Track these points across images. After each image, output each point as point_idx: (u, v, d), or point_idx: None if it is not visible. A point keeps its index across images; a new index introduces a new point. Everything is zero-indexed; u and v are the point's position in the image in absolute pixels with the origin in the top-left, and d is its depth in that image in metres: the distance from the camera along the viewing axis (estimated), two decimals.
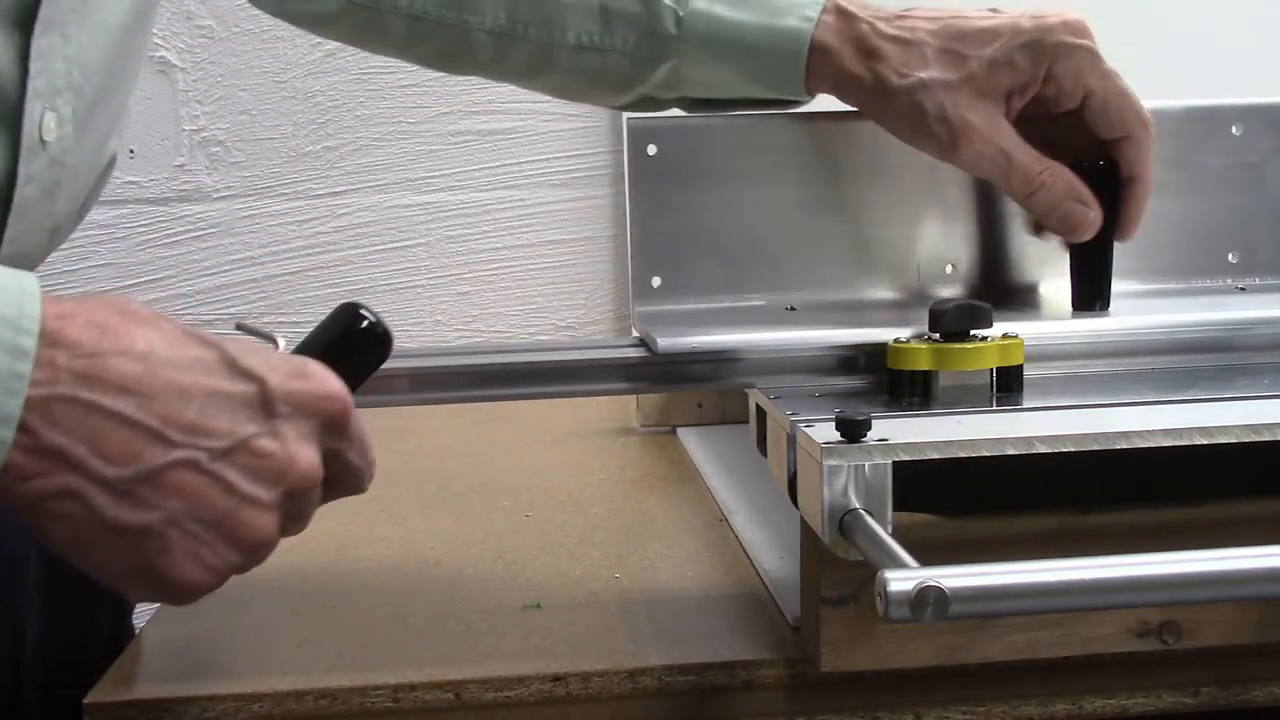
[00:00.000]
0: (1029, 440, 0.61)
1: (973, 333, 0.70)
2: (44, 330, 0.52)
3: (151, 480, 0.53)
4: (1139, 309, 0.81)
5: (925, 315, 0.71)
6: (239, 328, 0.67)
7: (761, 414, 0.72)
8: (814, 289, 0.83)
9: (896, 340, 0.70)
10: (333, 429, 0.58)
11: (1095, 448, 0.61)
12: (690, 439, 1.12)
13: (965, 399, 0.68)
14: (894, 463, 0.59)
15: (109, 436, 0.52)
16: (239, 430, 0.55)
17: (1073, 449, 0.61)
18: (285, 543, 0.88)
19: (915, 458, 0.60)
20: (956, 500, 0.63)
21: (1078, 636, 0.65)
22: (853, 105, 0.82)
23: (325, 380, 0.57)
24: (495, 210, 1.53)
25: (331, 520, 0.94)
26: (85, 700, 0.66)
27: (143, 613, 0.85)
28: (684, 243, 0.81)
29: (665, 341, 0.73)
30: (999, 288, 0.85)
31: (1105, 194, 0.79)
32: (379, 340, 0.63)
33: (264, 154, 1.53)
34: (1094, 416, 0.65)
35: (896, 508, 0.60)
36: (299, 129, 1.53)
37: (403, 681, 0.67)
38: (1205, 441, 0.61)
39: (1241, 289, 0.85)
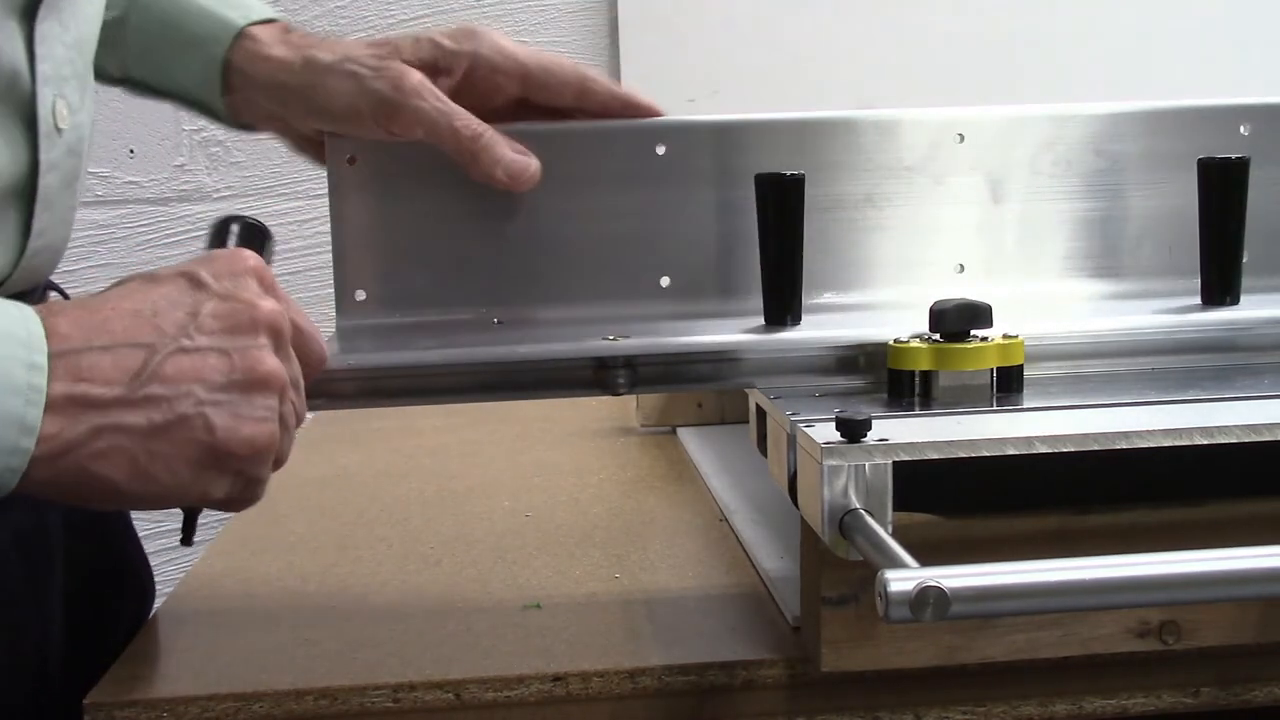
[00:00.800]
0: (1029, 440, 0.61)
1: (973, 333, 0.70)
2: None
3: (156, 378, 0.57)
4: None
5: (639, 330, 0.73)
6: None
7: (761, 414, 0.72)
8: (522, 303, 0.80)
9: (896, 340, 0.71)
10: (264, 284, 0.61)
11: (1095, 448, 0.61)
12: (690, 439, 1.12)
13: (965, 399, 0.68)
14: (894, 463, 0.59)
15: (96, 366, 0.56)
16: (195, 307, 0.59)
17: (1073, 449, 0.61)
18: (285, 543, 0.89)
19: (915, 458, 0.60)
20: (956, 500, 0.63)
21: (1078, 636, 0.65)
22: (276, 109, 0.81)
23: (234, 251, 0.62)
24: None
25: (331, 520, 0.95)
26: (85, 700, 0.66)
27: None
28: (389, 255, 0.80)
29: (337, 359, 0.72)
30: (723, 298, 0.82)
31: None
32: (257, 232, 0.69)
33: (264, 154, 1.53)
34: (1094, 416, 0.65)
35: (896, 508, 0.60)
36: None
37: (403, 681, 0.67)
38: (1205, 441, 0.61)
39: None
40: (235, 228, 0.69)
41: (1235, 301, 0.80)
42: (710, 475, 1.00)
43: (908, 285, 0.82)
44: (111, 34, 0.83)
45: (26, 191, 0.68)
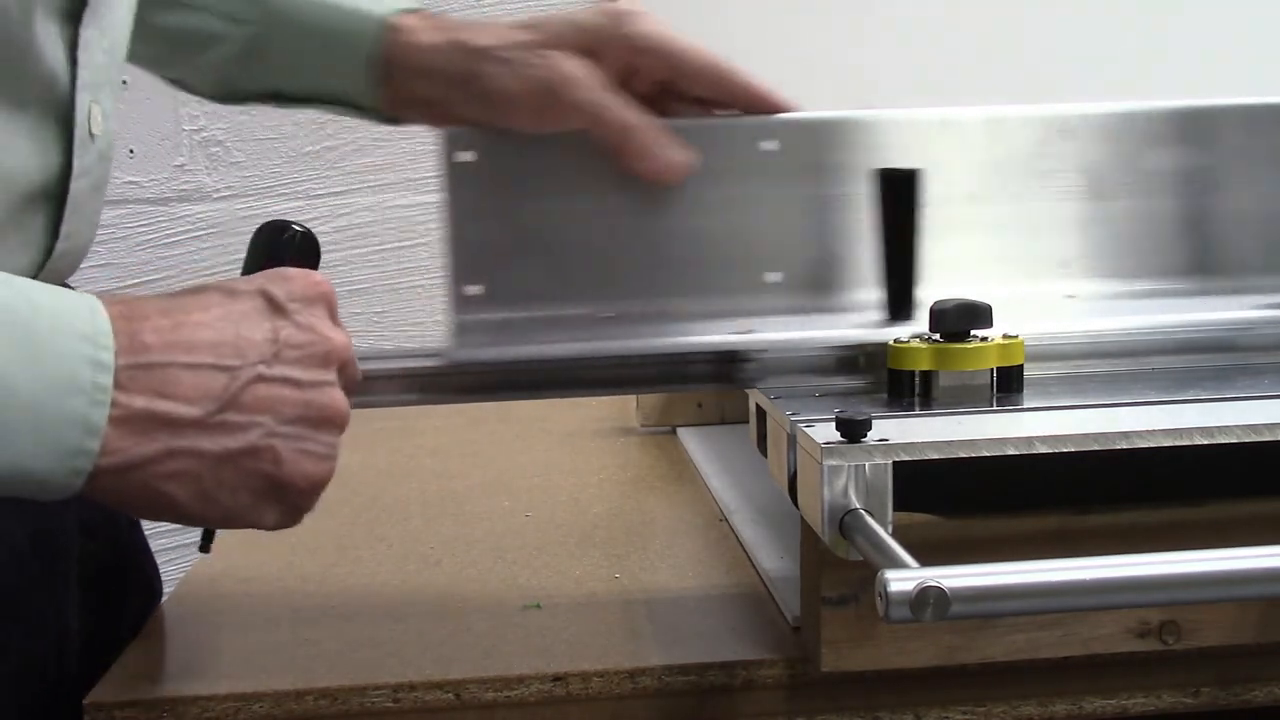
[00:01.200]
0: (1029, 440, 0.61)
1: (973, 333, 0.70)
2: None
3: (234, 404, 0.57)
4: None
5: (751, 325, 0.73)
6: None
7: (761, 414, 0.72)
8: (635, 298, 0.80)
9: (897, 340, 0.71)
10: (332, 311, 0.62)
11: (1095, 448, 0.61)
12: (690, 439, 1.12)
13: (965, 399, 0.68)
14: (894, 463, 0.59)
15: (178, 382, 0.56)
16: (272, 335, 0.59)
17: (1073, 449, 0.61)
18: (285, 543, 0.89)
19: (915, 458, 0.60)
20: (956, 500, 0.63)
21: (1078, 636, 0.65)
22: (437, 98, 0.80)
23: (306, 273, 0.62)
24: None
25: (331, 520, 0.95)
26: (85, 700, 0.66)
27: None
28: (502, 250, 0.79)
29: (453, 353, 0.74)
30: (832, 293, 0.82)
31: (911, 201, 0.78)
32: (310, 243, 0.69)
33: (264, 154, 1.53)
34: (1094, 416, 0.65)
35: (896, 508, 0.60)
36: (299, 129, 1.53)
37: (403, 681, 0.67)
38: (1205, 441, 0.61)
39: (1072, 296, 0.83)
40: (292, 238, 0.69)
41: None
42: (710, 475, 1.00)
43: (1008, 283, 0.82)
44: (251, 52, 0.83)
45: (57, 195, 0.68)
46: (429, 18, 0.82)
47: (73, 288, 0.81)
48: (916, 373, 0.69)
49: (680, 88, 0.80)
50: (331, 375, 0.60)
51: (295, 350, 0.59)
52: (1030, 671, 0.67)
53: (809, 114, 0.82)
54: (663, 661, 0.68)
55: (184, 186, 1.52)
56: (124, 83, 1.52)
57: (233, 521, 0.59)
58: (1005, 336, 0.70)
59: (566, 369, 0.75)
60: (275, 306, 0.60)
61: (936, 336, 0.70)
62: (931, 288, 0.78)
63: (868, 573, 0.53)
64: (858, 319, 0.78)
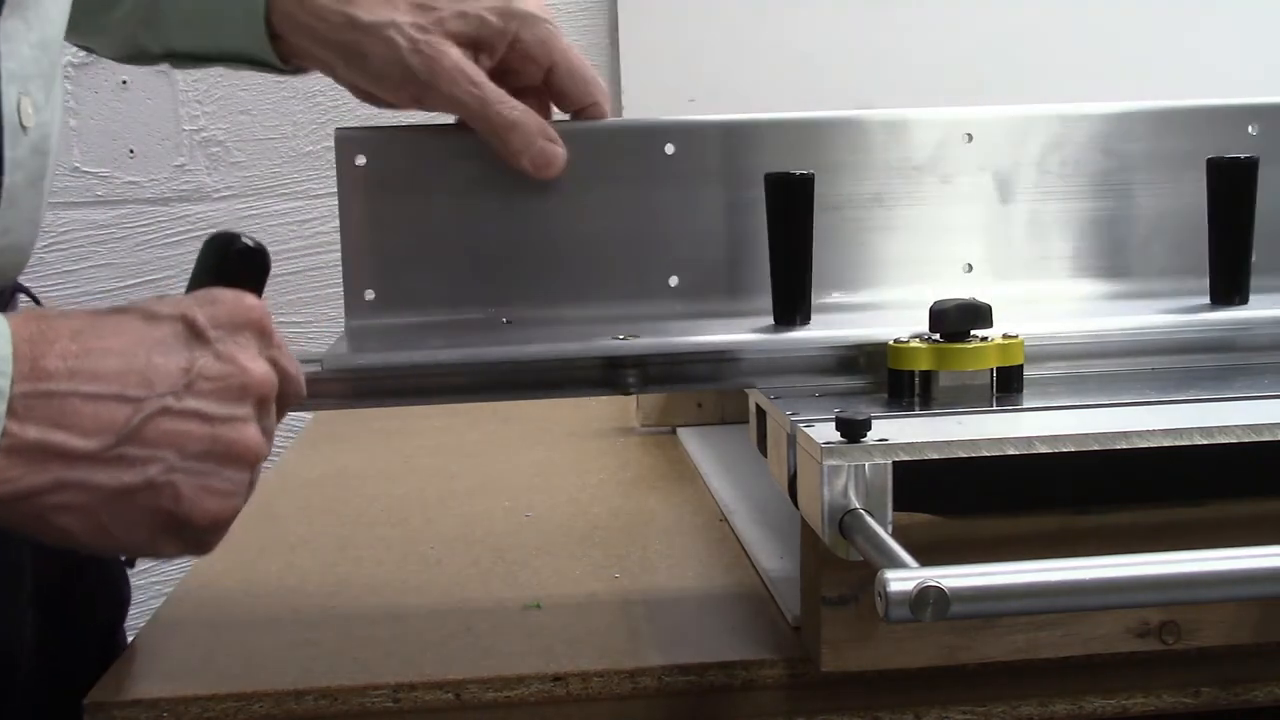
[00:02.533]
0: (1029, 440, 0.61)
1: (973, 333, 0.70)
2: None
3: (134, 438, 0.55)
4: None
5: (648, 330, 0.74)
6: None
7: (761, 414, 0.72)
8: (531, 303, 0.80)
9: (897, 340, 0.70)
10: (262, 337, 0.59)
11: (1095, 448, 0.61)
12: (690, 439, 1.12)
13: (965, 399, 0.68)
14: (894, 463, 0.59)
15: (77, 413, 0.54)
16: (187, 365, 0.56)
17: (1073, 449, 0.61)
18: (285, 542, 0.89)
19: (915, 458, 0.60)
20: (956, 500, 0.63)
21: (1078, 636, 0.65)
22: (323, 59, 0.80)
23: (238, 297, 0.59)
24: None
25: (331, 520, 0.95)
26: (85, 700, 0.66)
27: (136, 618, 0.85)
28: (397, 255, 0.79)
29: (334, 360, 0.72)
30: (732, 298, 0.82)
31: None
32: (259, 258, 0.65)
33: (264, 154, 1.53)
34: (1094, 416, 0.65)
35: (896, 508, 0.60)
36: (299, 129, 1.53)
37: (403, 681, 0.67)
38: (1205, 441, 0.61)
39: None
40: (235, 252, 0.65)
41: (1244, 301, 0.80)
42: (710, 475, 1.00)
43: (916, 284, 0.83)
44: (148, 13, 0.83)
45: None
46: None
47: (29, 290, 0.81)
48: (916, 373, 0.69)
49: (553, 99, 0.81)
50: (246, 410, 0.57)
51: (209, 382, 0.56)
52: (1030, 671, 0.67)
53: (709, 117, 0.83)
54: (663, 661, 0.68)
55: (184, 186, 1.52)
56: (124, 82, 1.53)
57: (130, 552, 0.58)
58: (1005, 336, 0.70)
59: (456, 374, 0.74)
60: (196, 333, 0.57)
61: (936, 336, 0.70)
62: (839, 292, 0.80)
63: (868, 573, 0.53)
64: (748, 324, 0.78)
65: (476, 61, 0.78)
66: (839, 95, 1.63)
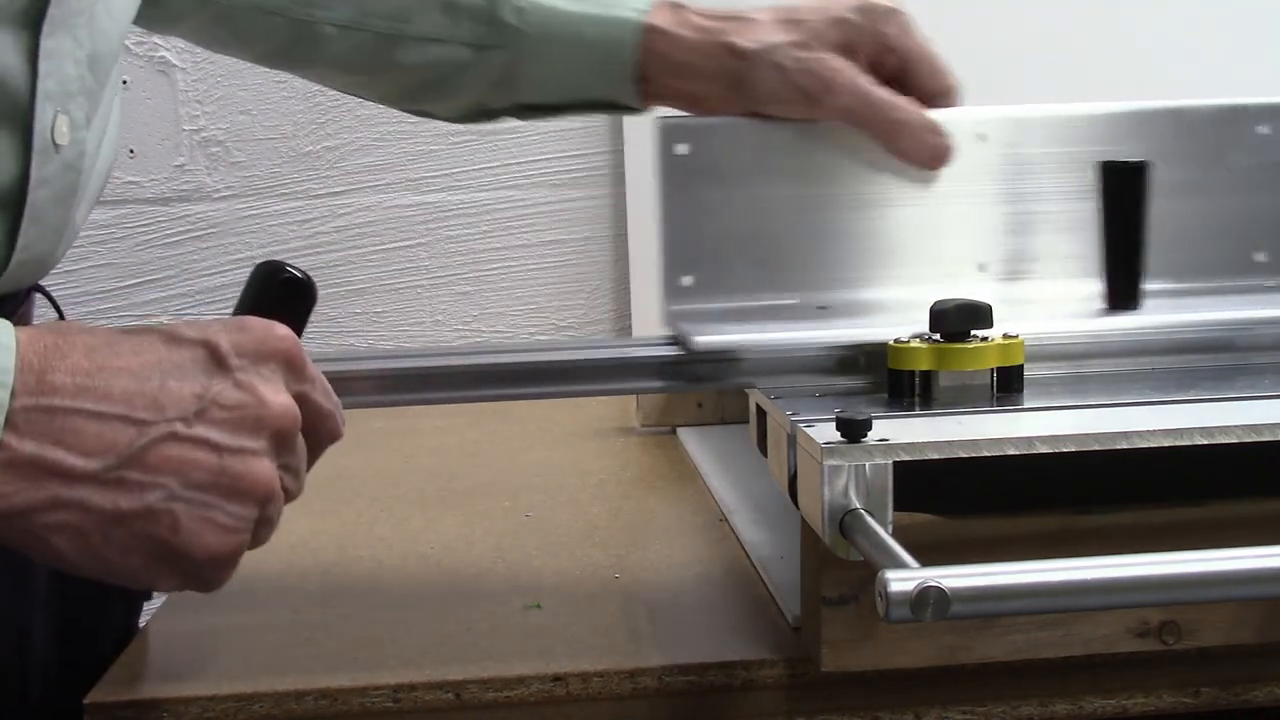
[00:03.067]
0: (1029, 440, 0.61)
1: (973, 333, 0.70)
2: None
3: (137, 462, 0.53)
4: (1140, 309, 0.81)
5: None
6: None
7: (761, 414, 0.72)
8: (846, 288, 0.83)
9: (896, 340, 0.70)
10: (291, 369, 0.58)
11: (1095, 448, 0.61)
12: (690, 439, 1.12)
13: (965, 399, 0.68)
14: (894, 463, 0.59)
15: (80, 431, 0.53)
16: (203, 390, 0.55)
17: (1073, 449, 0.61)
18: (285, 543, 0.89)
19: (915, 458, 0.60)
20: (956, 500, 0.63)
21: (1078, 636, 0.65)
22: (699, 93, 0.82)
23: (268, 326, 0.58)
24: (495, 210, 1.53)
25: (331, 520, 0.95)
26: (85, 700, 0.66)
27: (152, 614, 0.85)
28: (715, 242, 0.82)
29: (702, 339, 0.73)
30: (1036, 281, 0.85)
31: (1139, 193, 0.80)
32: (303, 289, 0.64)
33: (264, 154, 1.53)
34: (1094, 416, 0.65)
35: (896, 508, 0.60)
36: (299, 129, 1.53)
37: (403, 681, 0.67)
38: (1205, 441, 0.61)
39: (1273, 287, 0.85)
40: (279, 281, 0.63)
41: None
42: (710, 475, 1.00)
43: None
44: (502, 75, 0.84)
45: (14, 203, 0.66)
46: (680, 12, 0.82)
47: (45, 289, 0.81)
48: (916, 373, 0.69)
49: (906, 81, 0.82)
50: (259, 443, 0.56)
51: (224, 411, 0.55)
52: (1030, 671, 0.67)
53: (1016, 108, 0.86)
54: (663, 661, 0.68)
55: (184, 186, 1.52)
56: (124, 82, 1.52)
57: (123, 580, 0.56)
58: (1005, 336, 0.70)
59: (785, 357, 0.75)
60: (218, 360, 0.56)
61: (936, 336, 0.70)
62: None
63: (868, 573, 0.53)
64: (1073, 309, 0.81)
65: (853, 59, 0.80)
66: None
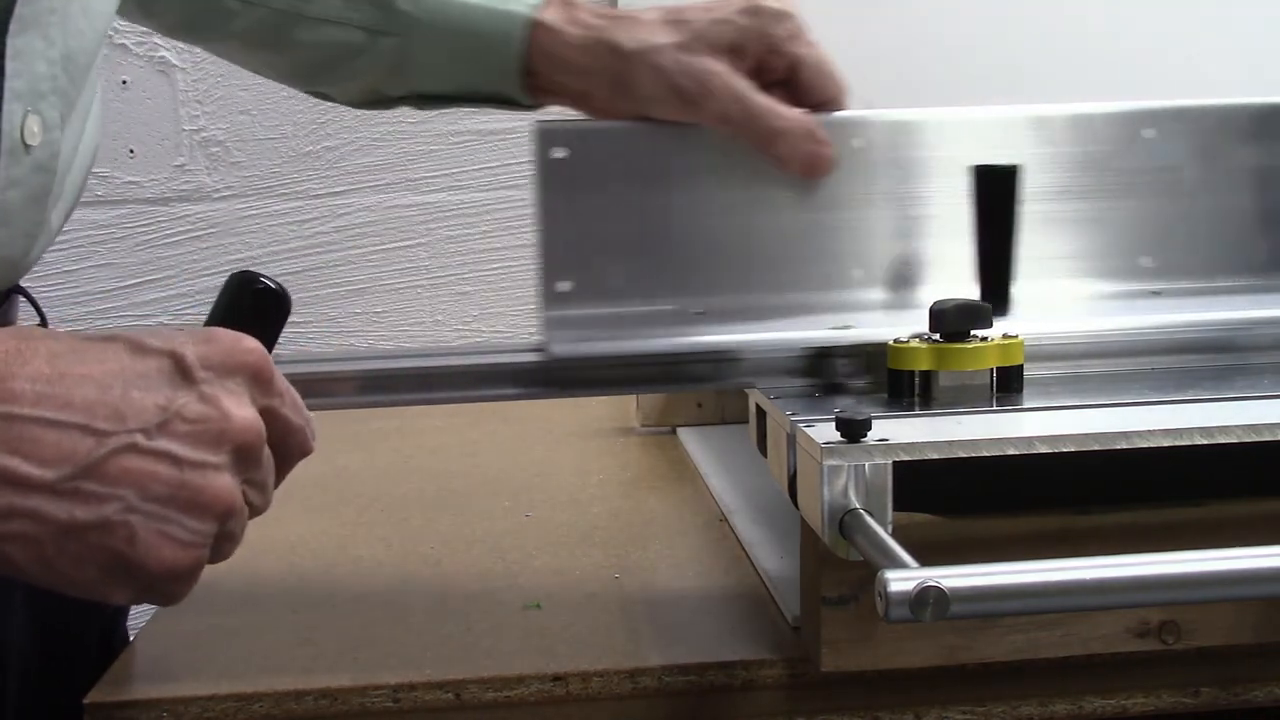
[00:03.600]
0: (1029, 440, 0.61)
1: (973, 333, 0.70)
2: None
3: (94, 473, 0.52)
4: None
5: (838, 321, 0.74)
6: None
7: (761, 414, 0.72)
8: (725, 293, 0.80)
9: (896, 340, 0.71)
10: (258, 383, 0.56)
11: (1095, 448, 0.61)
12: (690, 439, 1.12)
13: (965, 399, 0.68)
14: (894, 463, 0.59)
15: (37, 440, 0.52)
16: (166, 402, 0.54)
17: (1073, 449, 0.61)
18: (285, 542, 0.89)
19: (915, 458, 0.60)
20: (956, 500, 0.63)
21: (1078, 636, 0.65)
22: (584, 91, 0.81)
23: (236, 338, 0.56)
24: (495, 210, 1.53)
25: (331, 520, 0.95)
26: (85, 700, 0.66)
27: (138, 617, 0.85)
28: (593, 247, 0.80)
29: (560, 347, 0.73)
30: (912, 287, 0.82)
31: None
32: (276, 300, 0.62)
33: (264, 154, 1.53)
34: (1094, 416, 0.65)
35: (896, 508, 0.60)
36: (299, 129, 1.53)
37: (403, 681, 0.67)
38: (1205, 441, 0.61)
39: (1156, 293, 0.84)
40: (251, 292, 0.62)
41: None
42: (710, 475, 1.00)
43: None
44: (396, 60, 0.84)
45: None
46: (569, 10, 0.82)
47: (26, 291, 0.81)
48: (916, 373, 0.69)
49: (793, 86, 0.81)
50: (221, 458, 0.54)
51: (186, 424, 0.54)
52: (1030, 671, 0.67)
53: (892, 112, 0.83)
54: (663, 661, 0.68)
55: (184, 186, 1.52)
56: (124, 82, 1.52)
57: (78, 591, 0.54)
58: (1005, 336, 0.70)
59: (656, 364, 0.75)
60: (183, 371, 0.54)
61: (936, 336, 0.70)
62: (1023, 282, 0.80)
63: (868, 573, 0.53)
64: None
65: (734, 65, 0.78)
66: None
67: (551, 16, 0.81)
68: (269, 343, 0.61)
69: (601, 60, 0.79)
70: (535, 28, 0.81)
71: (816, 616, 0.65)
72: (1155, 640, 0.65)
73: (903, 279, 0.82)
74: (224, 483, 0.55)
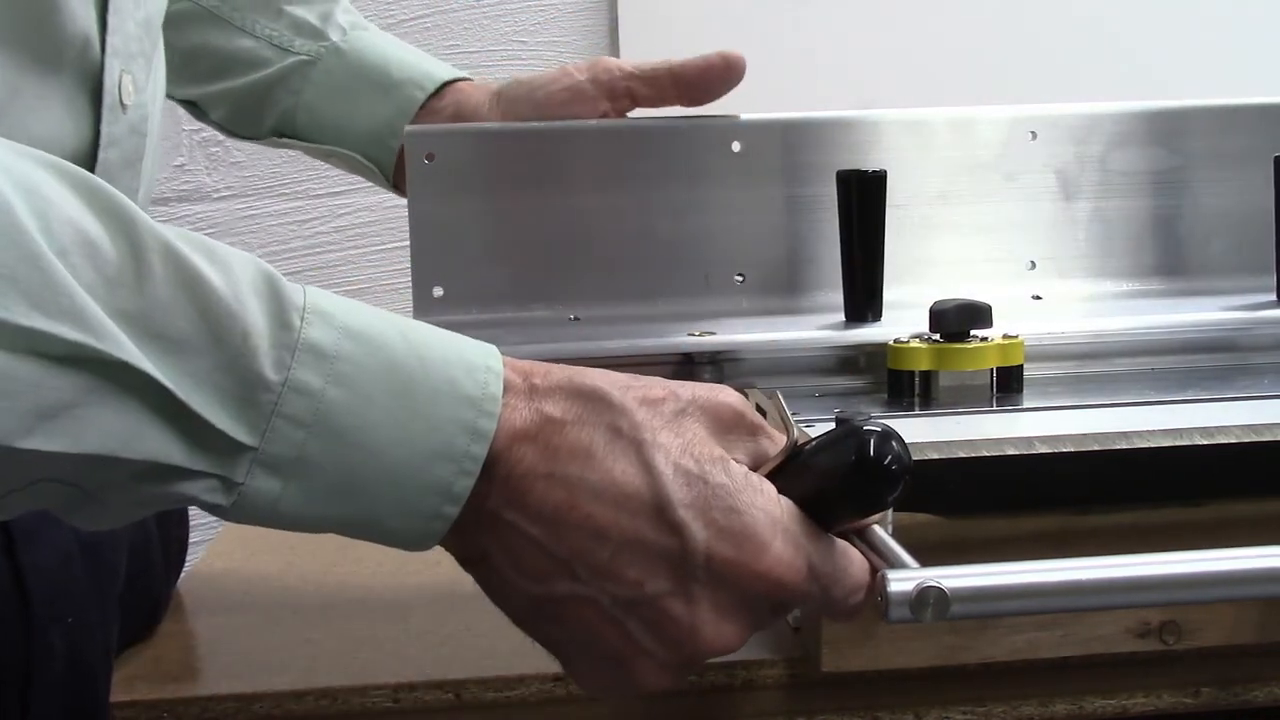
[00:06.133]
0: (1029, 440, 0.61)
1: (973, 333, 0.70)
2: (493, 450, 0.51)
3: (555, 604, 0.53)
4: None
5: (715, 327, 0.74)
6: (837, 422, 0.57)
7: (761, 414, 0.72)
8: (600, 300, 0.80)
9: (897, 340, 0.71)
10: (768, 603, 0.53)
11: (1095, 448, 0.61)
12: None
13: (965, 399, 0.68)
14: None
15: (524, 554, 0.53)
16: (648, 586, 0.51)
17: (1073, 449, 0.61)
18: (285, 543, 0.89)
19: (915, 458, 0.59)
20: (956, 500, 0.63)
21: (1078, 636, 0.65)
22: None
23: (760, 554, 0.51)
24: None
25: None
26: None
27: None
28: (466, 252, 0.80)
29: None
30: (799, 295, 0.83)
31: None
32: (888, 479, 0.50)
33: (264, 154, 1.53)
34: (1094, 416, 0.65)
35: (896, 508, 0.59)
36: None
37: (403, 681, 0.67)
38: (1205, 441, 0.61)
39: (1038, 297, 0.84)
40: (867, 471, 0.50)
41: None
42: None
43: (977, 282, 0.83)
44: (286, 83, 0.85)
45: (86, 164, 0.65)
46: (479, 88, 0.84)
47: None
48: (916, 373, 0.69)
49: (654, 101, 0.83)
50: (669, 656, 0.53)
51: (654, 613, 0.51)
52: (1030, 671, 0.67)
53: (775, 115, 0.83)
54: None
55: (184, 186, 1.52)
56: None
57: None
58: (1005, 336, 0.70)
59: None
60: (683, 567, 0.51)
61: (936, 336, 0.70)
62: (900, 288, 0.79)
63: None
64: (820, 320, 0.78)
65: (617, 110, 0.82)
66: (841, 94, 1.63)
67: (469, 86, 0.84)
68: (854, 519, 0.53)
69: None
70: (447, 87, 0.84)
71: (817, 616, 0.65)
72: (1155, 640, 0.65)
73: (783, 283, 0.82)
74: (661, 676, 0.54)
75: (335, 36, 0.86)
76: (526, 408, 0.52)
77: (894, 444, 0.49)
